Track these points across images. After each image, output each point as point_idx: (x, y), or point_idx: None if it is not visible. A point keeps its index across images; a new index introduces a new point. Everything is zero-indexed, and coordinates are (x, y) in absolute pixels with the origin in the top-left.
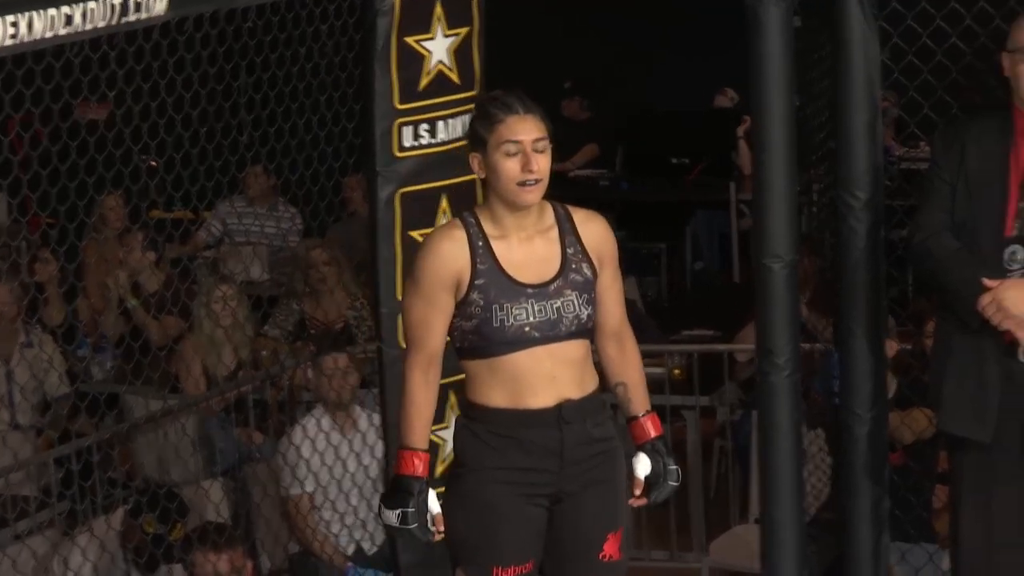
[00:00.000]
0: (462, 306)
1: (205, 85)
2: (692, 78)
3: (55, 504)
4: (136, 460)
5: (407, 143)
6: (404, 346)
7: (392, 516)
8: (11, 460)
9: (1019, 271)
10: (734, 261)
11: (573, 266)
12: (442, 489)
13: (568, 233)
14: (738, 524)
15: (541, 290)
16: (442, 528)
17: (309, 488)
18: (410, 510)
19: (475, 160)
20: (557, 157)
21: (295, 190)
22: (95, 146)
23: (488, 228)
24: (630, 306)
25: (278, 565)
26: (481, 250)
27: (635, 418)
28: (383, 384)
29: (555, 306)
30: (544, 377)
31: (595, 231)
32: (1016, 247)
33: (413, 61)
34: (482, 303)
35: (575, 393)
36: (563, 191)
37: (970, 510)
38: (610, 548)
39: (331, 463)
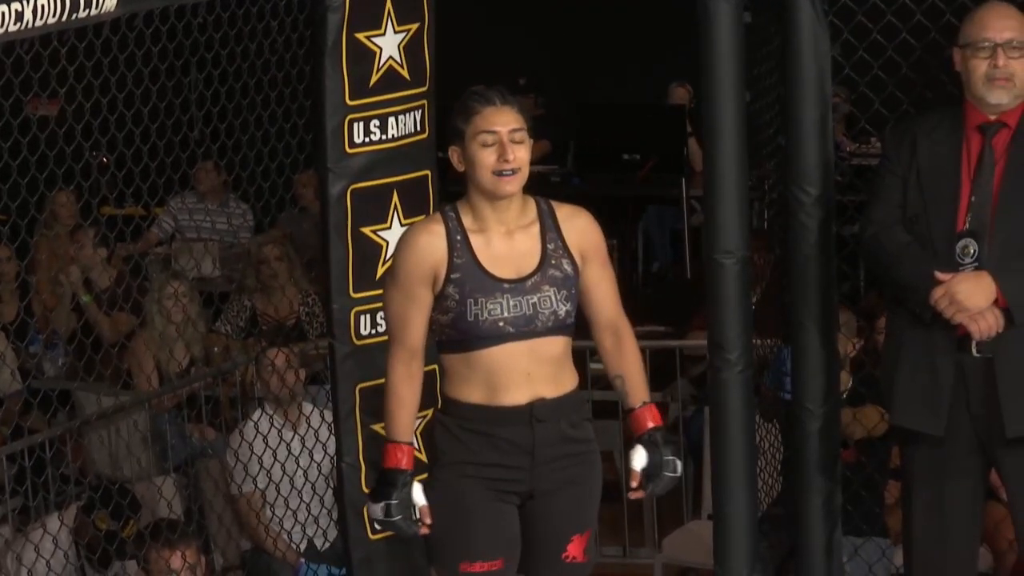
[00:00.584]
0: (439, 299)
1: (156, 81)
2: (645, 73)
3: (8, 501)
4: (88, 456)
5: (358, 139)
6: (356, 342)
7: (377, 509)
8: None
9: (971, 265)
10: (686, 257)
11: (552, 262)
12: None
13: (550, 229)
14: (691, 520)
15: (518, 285)
16: (428, 520)
17: (260, 484)
18: (393, 502)
19: (454, 154)
20: None
21: (246, 187)
22: (46, 142)
23: (468, 222)
24: None
25: (231, 561)
26: (459, 244)
27: (632, 410)
28: (335, 380)
29: (531, 302)
30: (520, 373)
31: (578, 227)
32: (968, 241)
33: (363, 57)
34: (457, 297)
35: (550, 391)
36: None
37: (922, 504)
38: (574, 549)
39: (283, 460)
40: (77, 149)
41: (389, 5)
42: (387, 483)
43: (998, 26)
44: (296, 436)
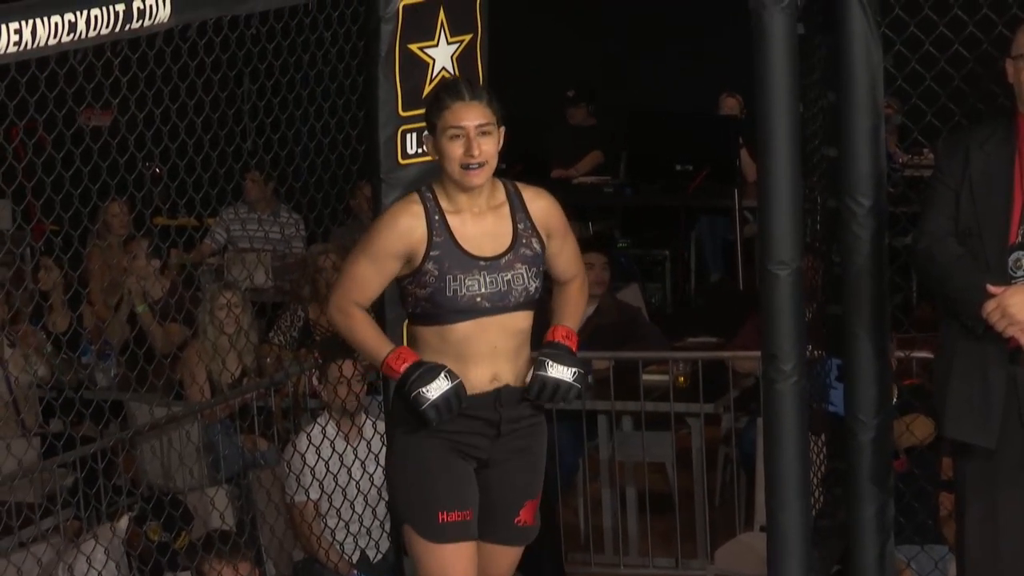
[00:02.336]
0: (417, 275)
1: (209, 92)
2: (695, 83)
3: (60, 511)
4: (140, 467)
5: (411, 150)
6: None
7: (440, 383)
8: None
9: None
10: (738, 268)
11: (523, 241)
12: None
13: (518, 210)
14: (743, 531)
15: (493, 263)
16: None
17: (314, 495)
18: (447, 371)
19: (428, 143)
20: (562, 163)
21: (299, 197)
22: (99, 153)
23: (444, 203)
24: (635, 313)
25: (283, 572)
26: (437, 223)
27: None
28: (387, 392)
29: (506, 278)
30: (488, 346)
31: (542, 207)
32: (1021, 254)
33: (416, 68)
34: (437, 273)
35: (512, 370)
36: (567, 197)
37: (975, 516)
38: (526, 514)
39: (336, 471)
40: (130, 160)
41: (442, 16)
42: (423, 368)
43: None
44: (349, 447)
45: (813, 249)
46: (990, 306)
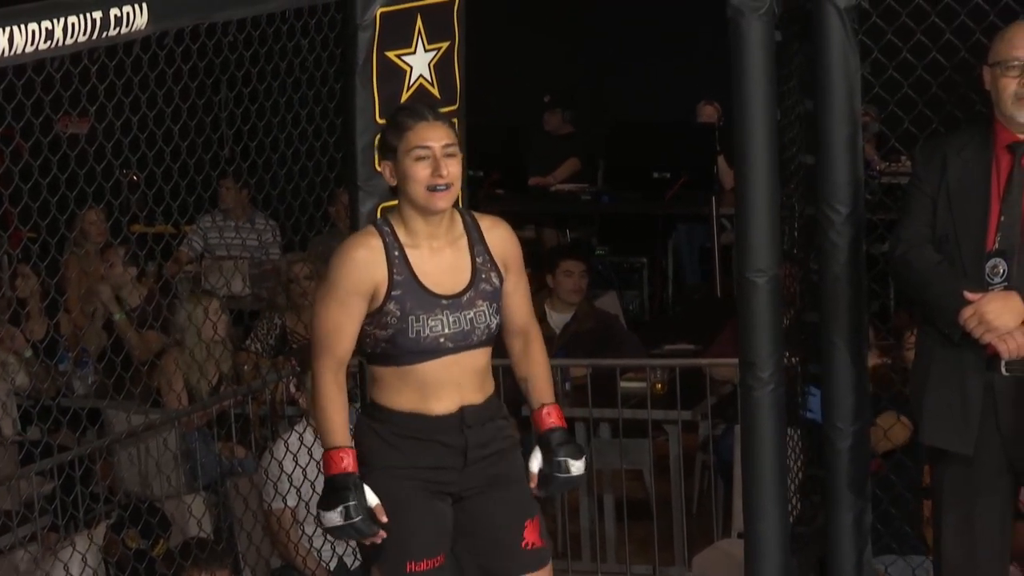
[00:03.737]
0: (377, 315)
1: (186, 99)
2: (672, 91)
3: (37, 519)
4: (118, 475)
5: None
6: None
7: (335, 515)
8: None
9: (1001, 284)
10: (715, 275)
11: (483, 276)
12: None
13: (477, 242)
14: (721, 539)
15: (455, 301)
16: (385, 519)
17: (291, 502)
18: (351, 503)
19: (386, 168)
20: (540, 171)
21: (276, 205)
22: (76, 160)
23: (403, 237)
24: (613, 320)
25: None
26: (397, 260)
27: (535, 411)
28: (364, 399)
29: (468, 317)
30: (451, 383)
31: (500, 238)
32: (998, 260)
33: (394, 76)
34: (399, 314)
35: (477, 398)
36: (545, 205)
37: (952, 523)
38: (530, 536)
39: (313, 477)
40: (107, 167)
41: (420, 24)
42: (339, 487)
43: None
44: None
45: (791, 257)
46: (967, 313)
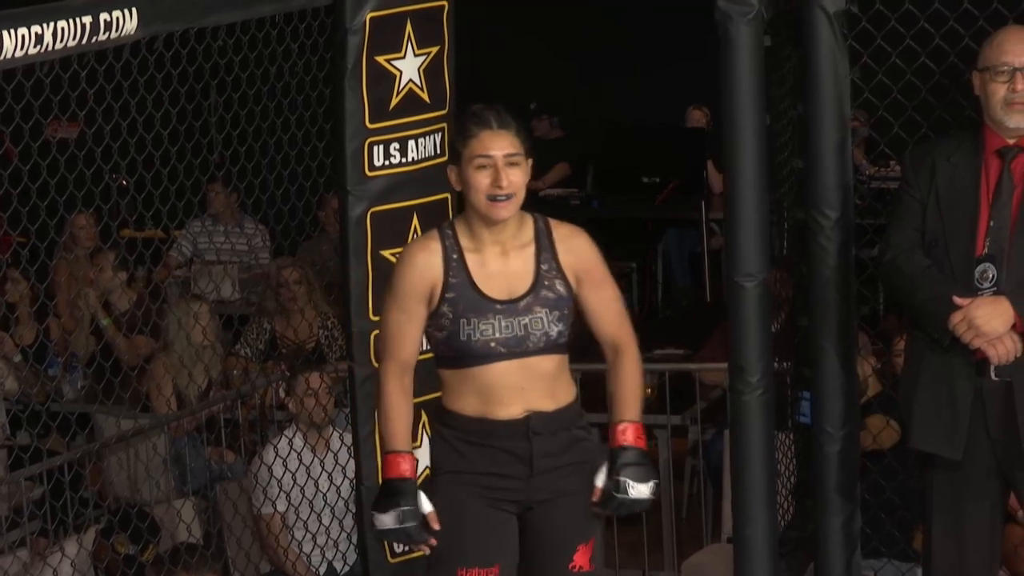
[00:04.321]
0: (434, 317)
1: (175, 104)
2: (664, 95)
3: (26, 524)
4: (107, 479)
5: (377, 162)
6: (376, 363)
7: (388, 519)
8: None
9: (990, 289)
10: (705, 280)
11: (546, 283)
12: None
13: (545, 249)
14: (710, 543)
15: (510, 306)
16: (437, 526)
17: (281, 507)
18: (405, 508)
19: (452, 173)
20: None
21: (266, 209)
22: (66, 165)
23: (464, 241)
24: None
25: None
26: (455, 263)
27: (612, 426)
28: (354, 403)
29: (523, 323)
30: (513, 389)
31: (574, 247)
32: (987, 265)
33: (383, 80)
34: (451, 316)
35: (547, 405)
36: (533, 210)
37: (941, 527)
38: (580, 559)
39: (303, 483)
40: (97, 171)
41: (409, 28)
42: (394, 492)
43: (1017, 50)
44: (317, 459)
45: (782, 261)
46: (956, 318)
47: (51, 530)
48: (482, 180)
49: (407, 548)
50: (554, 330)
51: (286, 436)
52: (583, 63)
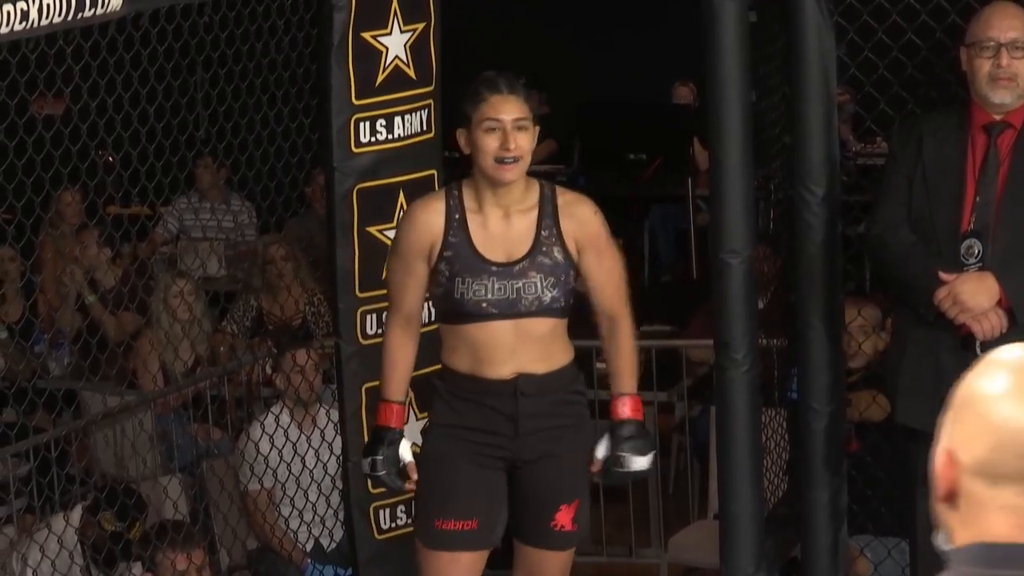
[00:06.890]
0: (433, 274)
1: (161, 80)
2: (648, 71)
3: (13, 501)
4: (94, 456)
5: (364, 139)
6: (362, 341)
7: (365, 464)
8: None
9: (976, 265)
10: (691, 257)
11: (544, 249)
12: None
13: (547, 216)
14: (697, 520)
15: (505, 269)
16: (415, 476)
17: (268, 484)
18: (379, 457)
19: (461, 136)
20: None
21: (252, 186)
22: (51, 141)
23: (469, 202)
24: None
25: (237, 561)
26: (456, 223)
27: (612, 399)
28: (340, 380)
29: (515, 286)
30: (504, 349)
31: (576, 215)
32: (973, 241)
33: (369, 56)
34: (447, 274)
35: (538, 367)
36: None
37: (927, 502)
38: (562, 518)
39: (290, 459)
40: (82, 148)
41: (395, 4)
42: (376, 440)
43: (1003, 26)
44: (303, 436)
45: (766, 237)
46: (942, 293)
47: (38, 507)
48: (491, 143)
49: (393, 524)
50: (547, 296)
51: (273, 413)
52: (569, 39)
